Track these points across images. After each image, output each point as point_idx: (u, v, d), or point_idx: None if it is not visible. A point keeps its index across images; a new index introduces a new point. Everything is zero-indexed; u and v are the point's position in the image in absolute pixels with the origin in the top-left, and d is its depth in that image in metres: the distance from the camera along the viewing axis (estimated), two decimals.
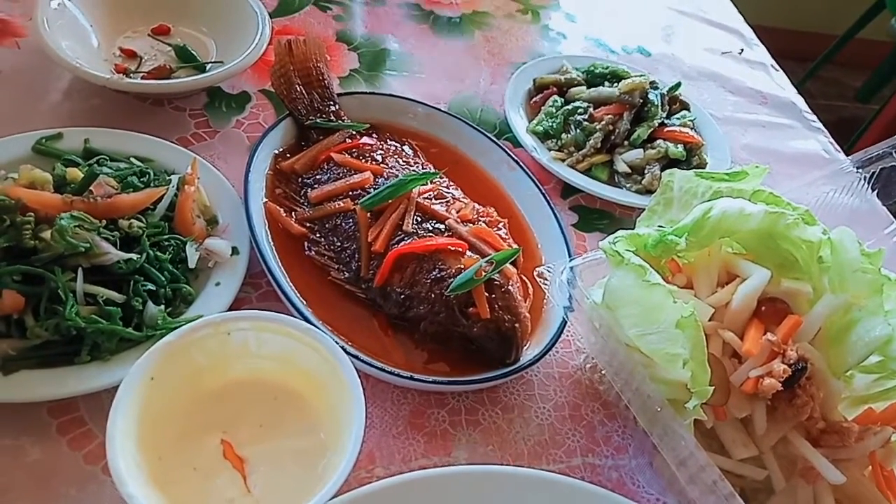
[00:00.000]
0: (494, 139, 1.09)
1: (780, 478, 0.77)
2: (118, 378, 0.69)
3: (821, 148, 1.40)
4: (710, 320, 0.77)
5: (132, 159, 0.89)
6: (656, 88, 1.19)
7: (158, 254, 0.79)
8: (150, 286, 0.76)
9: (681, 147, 1.15)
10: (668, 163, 1.14)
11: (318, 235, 0.90)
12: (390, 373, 0.77)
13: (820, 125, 1.46)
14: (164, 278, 0.78)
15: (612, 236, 0.78)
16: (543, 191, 1.03)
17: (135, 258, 0.76)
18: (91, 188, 0.78)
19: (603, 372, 0.88)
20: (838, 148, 1.40)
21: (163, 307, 0.76)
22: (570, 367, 0.91)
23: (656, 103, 1.17)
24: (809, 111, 1.49)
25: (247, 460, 0.65)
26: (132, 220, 0.79)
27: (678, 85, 1.25)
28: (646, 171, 1.12)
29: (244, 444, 0.66)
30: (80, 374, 0.71)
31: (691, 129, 1.21)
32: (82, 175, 0.80)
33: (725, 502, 0.68)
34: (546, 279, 0.80)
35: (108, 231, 0.76)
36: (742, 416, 0.76)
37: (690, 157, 1.16)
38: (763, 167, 0.85)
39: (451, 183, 0.99)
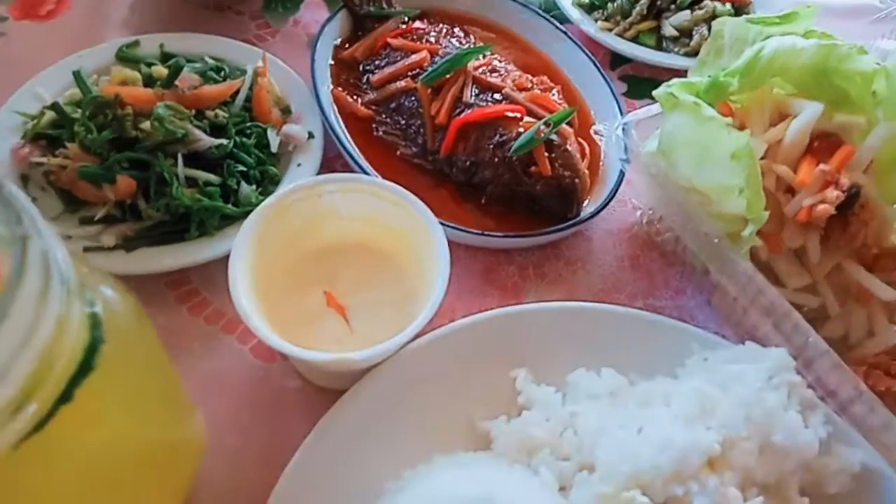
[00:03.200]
0: (542, 13, 1.11)
1: (833, 302, 0.81)
2: (223, 250, 0.79)
3: None
4: (763, 158, 0.80)
5: (206, 58, 0.95)
6: None
7: (244, 140, 0.86)
8: (241, 168, 0.84)
9: (728, 6, 1.15)
10: None
11: (383, 116, 0.96)
12: (464, 231, 0.84)
13: None
14: (252, 161, 0.85)
15: (665, 84, 0.81)
16: (593, 58, 1.06)
17: (225, 143, 0.83)
18: (176, 82, 0.85)
19: (659, 223, 0.93)
20: None
21: (254, 187, 0.84)
22: (626, 223, 0.97)
23: None
24: None
25: (347, 308, 0.74)
26: (217, 111, 0.86)
27: None
28: (694, 33, 1.13)
29: (343, 296, 0.75)
30: (191, 247, 0.80)
31: None
32: (167, 72, 0.87)
33: (784, 320, 0.74)
34: (602, 135, 0.84)
35: (197, 120, 0.84)
36: (796, 247, 0.80)
37: (738, 17, 1.16)
38: (813, 6, 0.86)
39: (504, 58, 1.02)
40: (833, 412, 0.72)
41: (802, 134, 0.79)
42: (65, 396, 0.40)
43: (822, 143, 0.80)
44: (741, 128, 0.84)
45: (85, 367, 0.42)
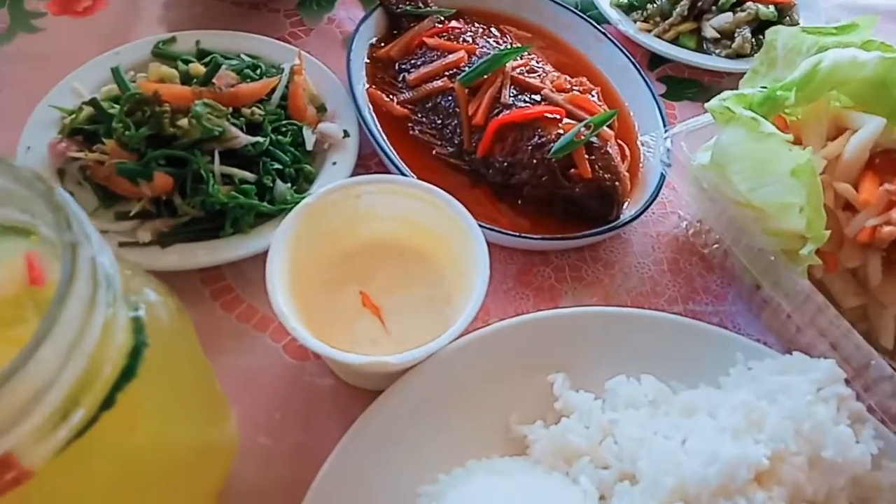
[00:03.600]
0: (579, 13, 1.09)
1: (890, 331, 0.77)
2: (257, 248, 0.79)
3: None
4: (821, 174, 0.76)
5: (242, 56, 0.95)
6: None
7: (280, 137, 0.85)
8: (277, 166, 0.83)
9: (772, 8, 1.12)
10: (759, 25, 1.12)
11: (419, 115, 0.95)
12: (501, 232, 0.83)
13: None
14: (287, 158, 0.84)
15: (718, 97, 0.79)
16: (632, 59, 1.04)
17: (261, 140, 0.83)
18: (214, 80, 0.85)
19: (706, 235, 0.91)
20: None
21: (289, 185, 0.84)
22: (665, 227, 0.95)
23: None
24: None
25: (382, 308, 0.73)
26: (253, 108, 0.86)
27: None
28: (736, 35, 1.11)
29: (378, 296, 0.74)
30: (226, 244, 0.79)
31: None
32: (205, 70, 0.87)
33: (844, 341, 0.71)
34: (650, 147, 0.82)
35: (234, 118, 0.83)
36: (853, 267, 0.77)
37: (782, 19, 1.14)
38: (873, 17, 0.83)
39: (542, 58, 1.01)
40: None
41: (862, 150, 0.76)
42: (108, 402, 0.40)
43: (884, 160, 0.77)
44: (796, 142, 0.82)
45: (128, 373, 0.41)
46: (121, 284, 0.41)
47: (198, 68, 0.87)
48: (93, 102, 0.83)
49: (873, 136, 0.76)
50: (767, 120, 0.79)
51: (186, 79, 0.87)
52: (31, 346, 0.33)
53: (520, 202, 0.89)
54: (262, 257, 0.67)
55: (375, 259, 0.76)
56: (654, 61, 1.14)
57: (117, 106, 0.82)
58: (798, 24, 1.16)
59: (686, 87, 1.12)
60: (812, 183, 0.69)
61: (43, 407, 0.35)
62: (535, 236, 0.84)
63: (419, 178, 0.87)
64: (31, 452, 0.35)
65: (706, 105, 0.79)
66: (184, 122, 0.79)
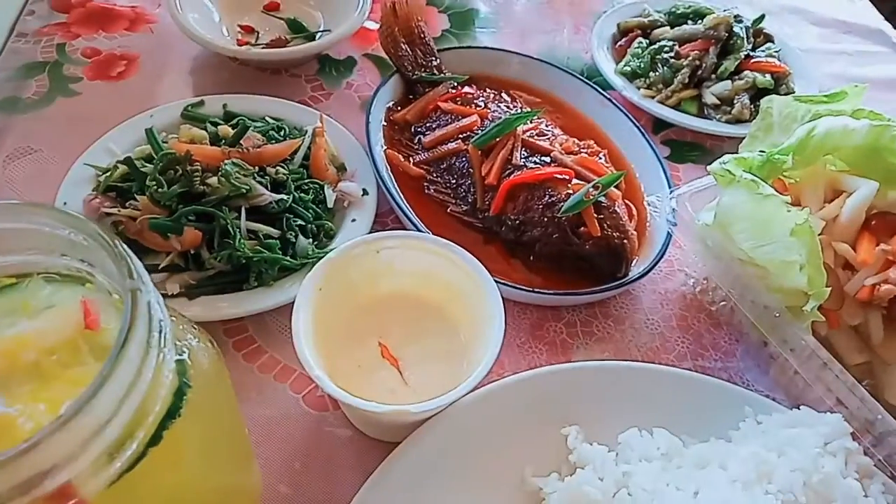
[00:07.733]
0: (586, 80, 1.15)
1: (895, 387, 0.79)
2: (280, 300, 0.82)
3: None
4: (820, 234, 0.79)
5: (266, 118, 1.00)
6: (740, 22, 1.22)
7: (302, 195, 0.90)
8: (300, 222, 0.87)
9: (768, 76, 1.18)
10: (757, 92, 1.18)
11: (434, 175, 1.00)
12: (515, 287, 0.86)
13: None
14: (309, 215, 0.88)
15: (719, 160, 0.83)
16: (637, 123, 1.09)
17: (285, 198, 0.87)
18: (242, 141, 0.90)
19: (713, 293, 0.93)
20: None
21: (311, 240, 0.87)
22: (674, 284, 0.98)
23: (742, 36, 1.20)
24: None
25: (400, 360, 0.75)
26: (277, 168, 0.90)
27: (762, 17, 1.27)
28: (735, 102, 1.16)
29: (396, 348, 0.76)
30: (249, 297, 0.82)
31: (777, 60, 1.24)
32: (233, 132, 0.91)
33: (849, 396, 0.73)
34: (656, 206, 0.86)
35: (259, 177, 0.87)
36: (855, 324, 0.80)
37: (778, 87, 1.20)
38: (862, 86, 0.88)
39: (551, 122, 1.06)
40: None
41: (859, 211, 0.80)
42: (155, 439, 0.42)
43: (880, 222, 0.81)
44: (795, 203, 0.85)
45: (173, 411, 0.44)
46: (171, 329, 0.44)
47: (226, 130, 0.92)
48: (127, 161, 0.87)
49: (867, 199, 0.80)
50: (768, 182, 0.84)
51: (215, 139, 0.92)
52: (96, 385, 0.36)
53: (532, 259, 0.93)
54: (283, 310, 0.70)
55: (394, 312, 0.79)
56: (657, 126, 1.20)
57: (149, 165, 0.87)
58: (793, 91, 1.21)
59: (689, 150, 1.17)
60: (811, 242, 0.73)
61: (102, 441, 0.37)
62: (547, 291, 0.87)
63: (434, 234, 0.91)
64: (88, 483, 0.38)
65: (708, 168, 0.83)
66: (213, 180, 0.84)
